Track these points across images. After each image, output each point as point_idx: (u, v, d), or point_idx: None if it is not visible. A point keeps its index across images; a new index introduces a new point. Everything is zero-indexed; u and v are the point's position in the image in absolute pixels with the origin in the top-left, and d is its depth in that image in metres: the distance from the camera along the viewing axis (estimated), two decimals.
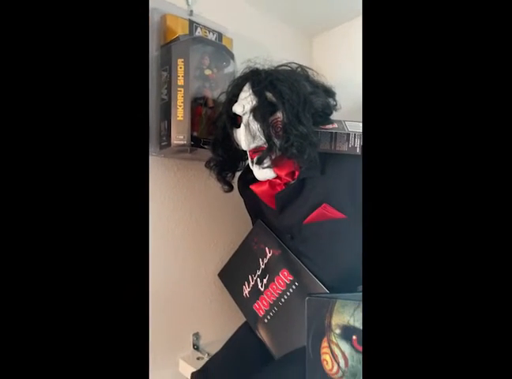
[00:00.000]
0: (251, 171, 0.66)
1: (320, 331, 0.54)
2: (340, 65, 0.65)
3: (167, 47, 0.69)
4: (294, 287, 0.66)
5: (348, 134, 0.56)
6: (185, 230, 0.79)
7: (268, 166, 0.58)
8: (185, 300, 0.78)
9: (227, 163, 0.67)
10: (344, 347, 0.53)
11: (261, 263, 0.73)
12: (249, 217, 0.83)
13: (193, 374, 0.62)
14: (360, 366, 0.52)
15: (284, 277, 0.68)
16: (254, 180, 0.66)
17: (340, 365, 0.53)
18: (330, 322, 0.53)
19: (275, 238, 0.71)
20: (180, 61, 0.67)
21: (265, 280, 0.71)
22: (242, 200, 0.82)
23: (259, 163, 0.57)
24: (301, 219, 0.63)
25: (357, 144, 0.59)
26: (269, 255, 0.72)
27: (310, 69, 0.63)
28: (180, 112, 0.67)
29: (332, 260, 0.63)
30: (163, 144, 0.69)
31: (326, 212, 0.60)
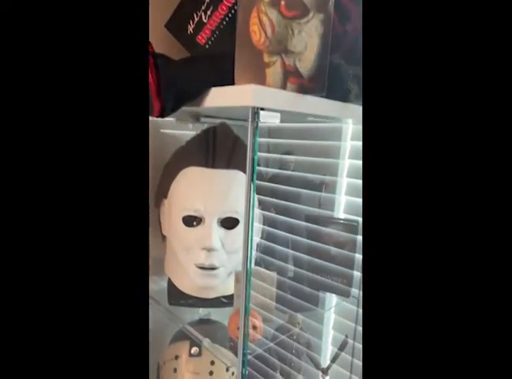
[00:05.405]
0: None
1: (251, 3, 0.54)
2: None
3: None
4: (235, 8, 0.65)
5: None
6: None
7: None
8: None
9: None
10: (272, 14, 0.53)
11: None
12: None
13: None
14: (285, 32, 0.53)
15: (228, 1, 0.67)
16: None
17: (268, 33, 0.54)
18: None
19: None
20: None
21: (208, 12, 0.70)
22: None
23: None
24: None
25: None
26: None
27: None
28: None
29: None
30: None
31: None
